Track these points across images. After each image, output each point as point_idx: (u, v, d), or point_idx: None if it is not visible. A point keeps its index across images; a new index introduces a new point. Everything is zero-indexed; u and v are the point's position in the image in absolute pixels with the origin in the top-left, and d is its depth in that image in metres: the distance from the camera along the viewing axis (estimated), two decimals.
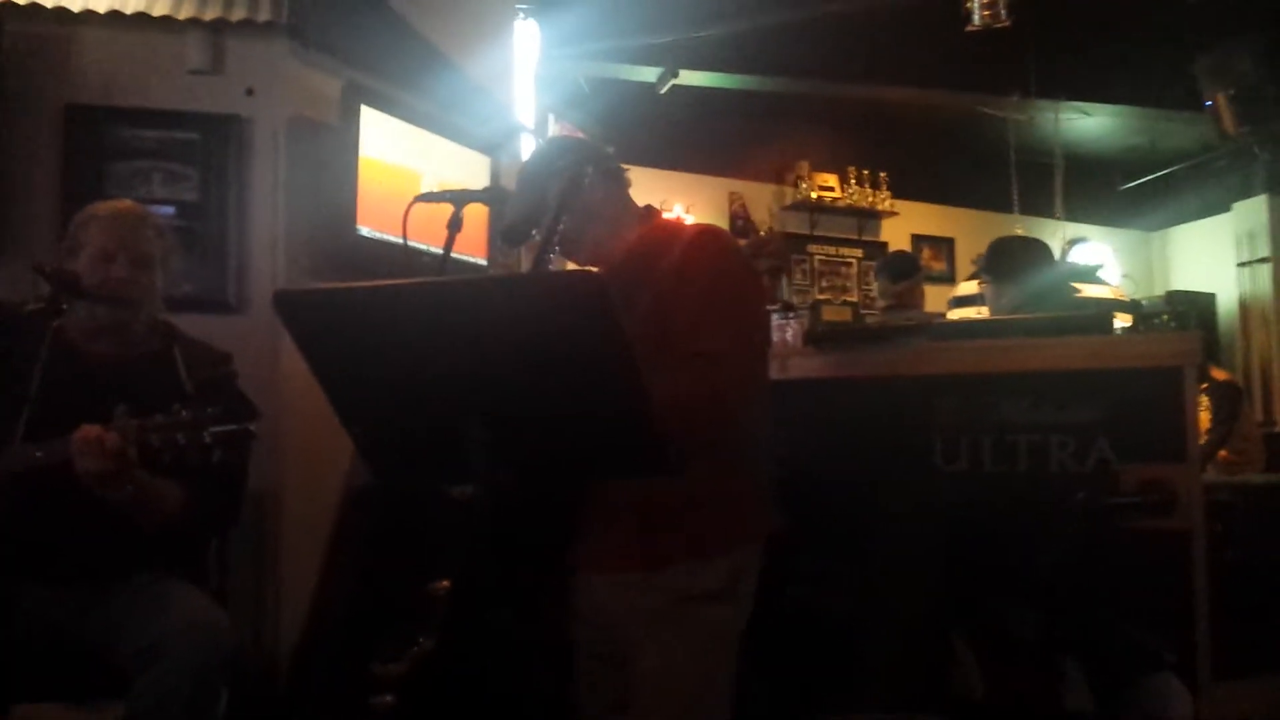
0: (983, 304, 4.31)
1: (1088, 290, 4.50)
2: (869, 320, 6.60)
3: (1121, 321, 2.88)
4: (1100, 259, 8.17)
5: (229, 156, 3.26)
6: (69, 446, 2.04)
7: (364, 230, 3.44)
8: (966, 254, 7.92)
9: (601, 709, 2.06)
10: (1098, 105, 7.26)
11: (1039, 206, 7.71)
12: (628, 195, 2.17)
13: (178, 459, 2.07)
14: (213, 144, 3.25)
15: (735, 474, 2.01)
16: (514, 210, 2.12)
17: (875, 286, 5.54)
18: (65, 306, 2.16)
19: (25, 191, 3.10)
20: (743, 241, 6.31)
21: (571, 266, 2.17)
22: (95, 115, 3.18)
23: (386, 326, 1.55)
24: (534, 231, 2.11)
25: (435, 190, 2.30)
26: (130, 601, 2.22)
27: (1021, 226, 7.00)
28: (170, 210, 3.18)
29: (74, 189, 3.10)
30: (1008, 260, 3.71)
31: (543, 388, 1.52)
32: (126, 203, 2.45)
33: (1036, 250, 3.83)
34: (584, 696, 2.10)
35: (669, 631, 1.95)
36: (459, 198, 2.13)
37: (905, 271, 4.95)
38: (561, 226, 1.97)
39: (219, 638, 2.17)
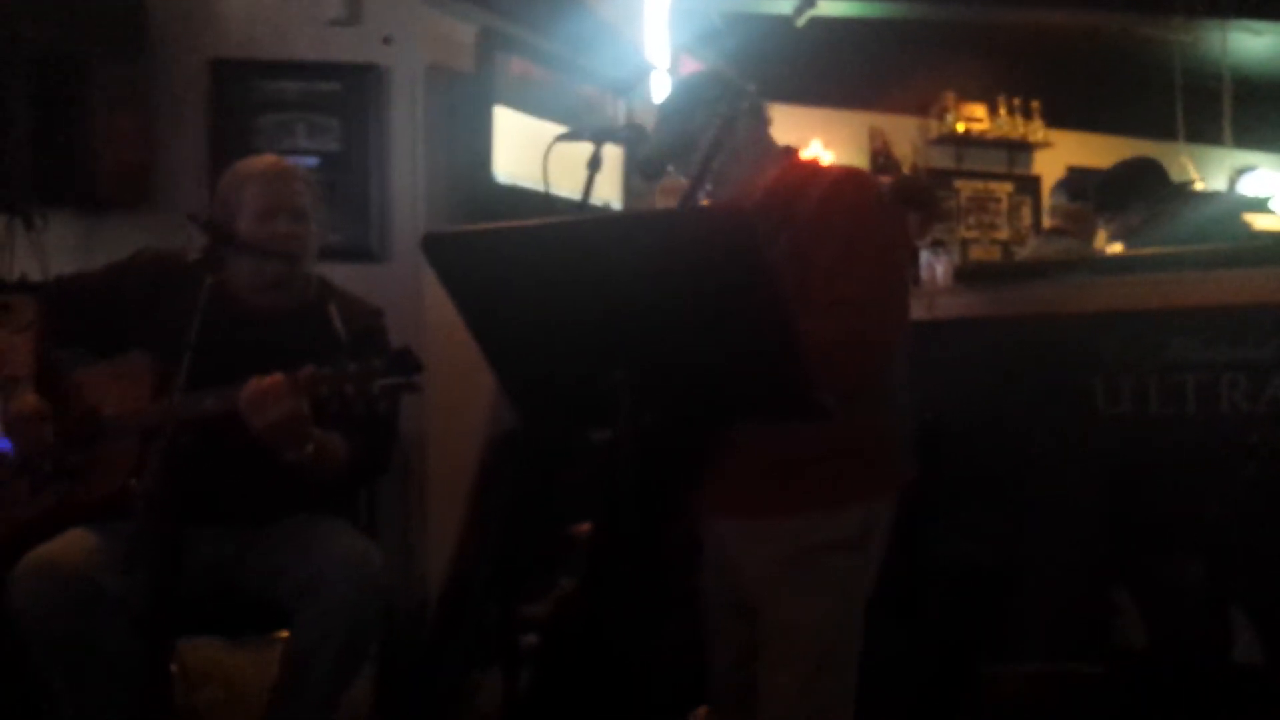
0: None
1: (1259, 223, 4.24)
2: (1019, 256, 6.36)
3: None
4: (1271, 189, 7.69)
5: (369, 106, 3.29)
6: (237, 397, 2.09)
7: (501, 177, 3.45)
8: None
9: (730, 658, 2.05)
10: (1269, 24, 6.76)
11: (1206, 134, 7.25)
12: (769, 134, 2.12)
13: (343, 410, 2.10)
14: (353, 94, 3.29)
15: (871, 421, 1.96)
16: (654, 143, 2.08)
17: (1048, 205, 5.25)
18: (224, 258, 2.21)
19: (174, 145, 3.19)
20: (885, 179, 6.15)
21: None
22: (240, 69, 3.24)
23: (533, 267, 1.54)
24: (670, 166, 2.07)
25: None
26: (288, 540, 2.28)
27: (1187, 155, 6.62)
28: (314, 161, 3.23)
29: (221, 143, 3.17)
30: (1115, 189, 3.49)
31: (690, 329, 1.50)
32: (271, 158, 2.48)
33: (1143, 170, 3.58)
34: (714, 645, 2.08)
35: (799, 580, 1.91)
36: (599, 135, 2.10)
37: (1084, 193, 4.67)
38: (714, 165, 1.93)
39: (375, 574, 2.22)
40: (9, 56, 2.80)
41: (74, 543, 2.18)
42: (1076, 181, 4.87)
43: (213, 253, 2.16)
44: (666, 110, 2.12)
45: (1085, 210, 4.47)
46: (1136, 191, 3.44)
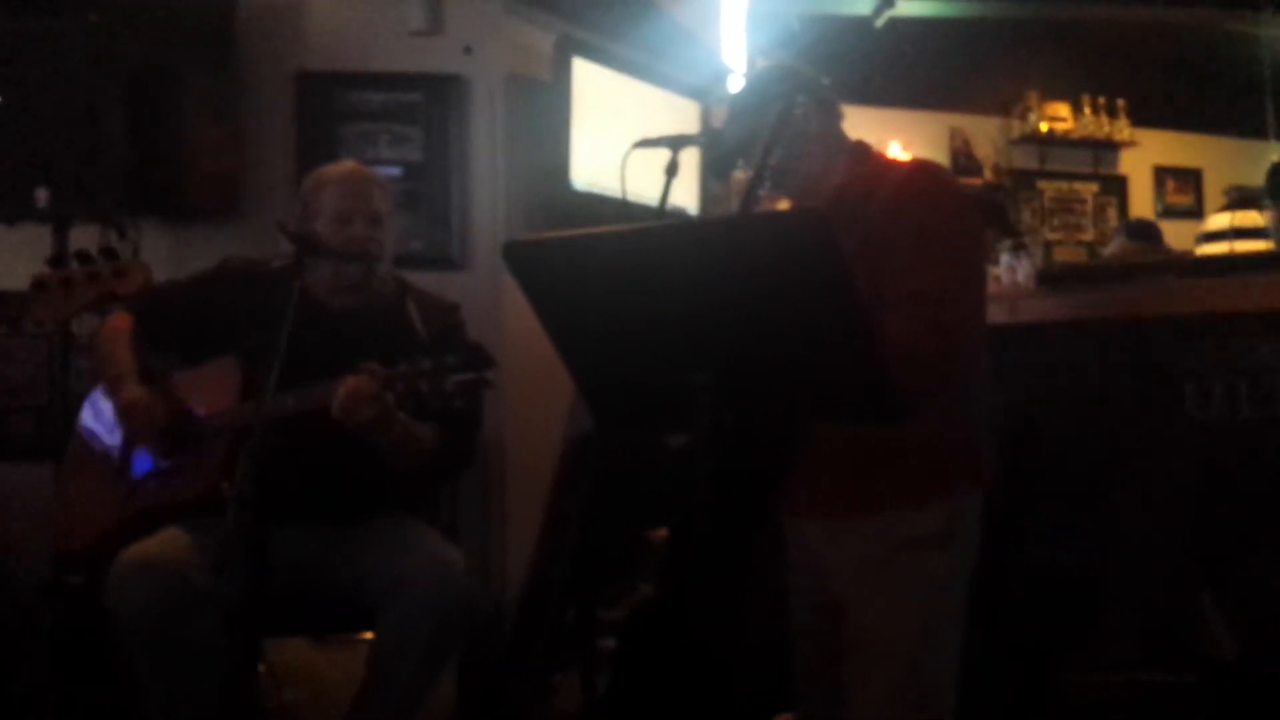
0: (1235, 239, 4.01)
1: None
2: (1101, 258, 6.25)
3: None
4: None
5: (450, 116, 3.35)
6: (323, 396, 2.14)
7: (578, 184, 3.48)
8: (1215, 186, 7.33)
9: (819, 660, 2.02)
10: None
11: None
12: (840, 129, 2.08)
13: (419, 407, 2.15)
14: (434, 104, 3.35)
15: (952, 417, 1.91)
16: (725, 141, 2.08)
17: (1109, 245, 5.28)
18: (307, 263, 2.27)
19: (262, 156, 3.28)
20: (966, 181, 6.06)
21: (782, 203, 2.12)
22: (325, 81, 3.32)
23: (612, 273, 1.56)
24: (740, 163, 2.06)
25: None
26: (373, 541, 2.32)
27: (1278, 154, 6.42)
28: (397, 171, 3.29)
29: (307, 153, 3.24)
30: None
31: (768, 331, 1.50)
32: (350, 164, 2.54)
33: None
34: (801, 647, 2.07)
35: (885, 580, 1.88)
36: (675, 142, 2.10)
37: (1141, 234, 4.64)
38: (773, 159, 1.91)
39: (459, 576, 2.25)
40: (103, 70, 2.88)
41: (168, 540, 2.25)
42: (1137, 224, 4.86)
43: (298, 258, 2.21)
44: (737, 106, 2.10)
45: (1146, 249, 4.42)
46: None
